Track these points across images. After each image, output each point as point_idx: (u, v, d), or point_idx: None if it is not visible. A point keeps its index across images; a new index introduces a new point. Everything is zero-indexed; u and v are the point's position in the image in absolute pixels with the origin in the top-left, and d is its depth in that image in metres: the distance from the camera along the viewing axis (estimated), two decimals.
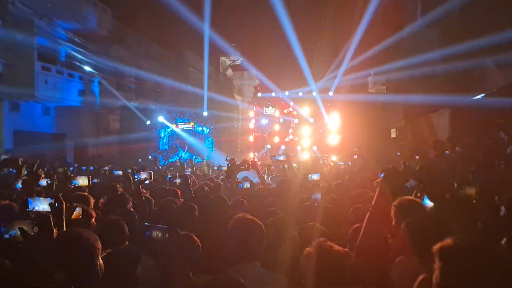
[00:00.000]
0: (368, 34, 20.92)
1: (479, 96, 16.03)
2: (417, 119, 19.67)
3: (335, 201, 4.67)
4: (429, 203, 3.02)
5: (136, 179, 4.92)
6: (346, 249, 2.28)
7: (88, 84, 21.42)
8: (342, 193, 5.65)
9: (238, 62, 38.85)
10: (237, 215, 2.89)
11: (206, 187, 6.31)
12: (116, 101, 23.30)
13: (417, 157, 12.07)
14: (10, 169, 6.98)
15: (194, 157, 21.38)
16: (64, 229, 3.04)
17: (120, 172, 7.71)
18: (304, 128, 22.76)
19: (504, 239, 2.33)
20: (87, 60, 20.63)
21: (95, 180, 7.37)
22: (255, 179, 7.08)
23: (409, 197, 3.01)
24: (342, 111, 22.98)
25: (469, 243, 1.58)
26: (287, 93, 22.79)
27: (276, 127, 23.25)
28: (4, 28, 16.40)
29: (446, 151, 11.94)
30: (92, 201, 3.81)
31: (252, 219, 2.85)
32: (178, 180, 6.93)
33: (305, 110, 22.72)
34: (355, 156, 18.57)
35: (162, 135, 22.65)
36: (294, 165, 9.66)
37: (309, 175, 6.60)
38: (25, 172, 5.28)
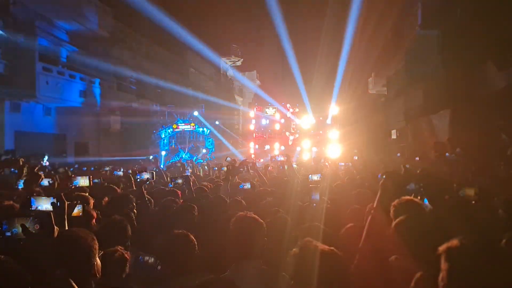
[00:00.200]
0: (368, 36, 20.95)
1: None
2: (418, 120, 19.67)
3: (334, 202, 4.69)
4: (428, 205, 3.04)
5: (138, 179, 4.93)
6: (332, 248, 2.29)
7: (89, 85, 21.46)
8: (342, 194, 5.67)
9: (238, 63, 38.90)
10: (239, 213, 2.90)
11: (206, 188, 6.33)
12: (116, 102, 23.36)
13: (417, 158, 12.06)
14: (12, 169, 7.01)
15: (195, 158, 21.43)
16: (66, 228, 3.06)
17: (121, 173, 7.74)
18: (305, 129, 22.80)
19: (504, 240, 2.34)
20: (88, 60, 20.67)
21: (96, 180, 7.40)
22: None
23: (409, 197, 3.02)
24: (343, 113, 23.01)
25: (476, 243, 1.58)
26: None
27: (276, 128, 23.29)
28: (5, 29, 16.44)
29: (447, 153, 11.96)
30: (92, 201, 3.83)
31: (254, 218, 2.86)
32: (180, 181, 6.96)
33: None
34: (356, 157, 18.59)
35: (163, 135, 22.68)
36: (294, 165, 9.68)
37: (310, 176, 6.62)
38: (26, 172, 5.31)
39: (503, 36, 13.81)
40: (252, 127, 23.56)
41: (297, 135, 23.09)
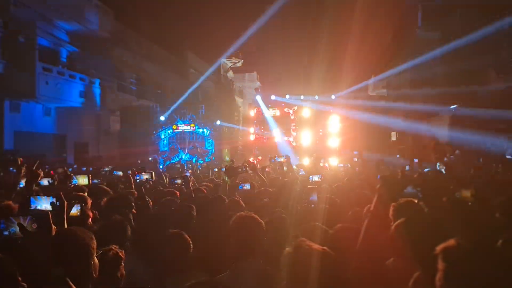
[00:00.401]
0: (368, 37, 20.98)
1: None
2: (418, 122, 19.70)
3: (332, 202, 4.69)
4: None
5: (138, 180, 4.94)
6: (324, 248, 2.30)
7: (89, 85, 21.47)
8: (341, 195, 5.67)
9: (239, 65, 38.93)
10: (240, 213, 2.93)
11: (205, 189, 6.33)
12: (117, 102, 23.37)
13: (415, 160, 12.09)
14: (10, 169, 7.02)
15: (194, 159, 21.44)
16: (65, 227, 3.07)
17: (121, 173, 7.74)
18: (304, 130, 22.78)
19: (500, 241, 2.36)
20: (88, 61, 20.70)
21: (95, 181, 7.41)
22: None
23: (409, 198, 3.03)
24: (343, 114, 23.00)
25: (473, 244, 1.60)
26: (287, 96, 22.82)
27: (276, 128, 23.23)
28: (5, 29, 16.46)
29: (449, 156, 11.98)
30: (90, 201, 3.84)
31: (253, 217, 2.90)
32: (178, 181, 6.97)
33: (305, 112, 22.71)
34: (355, 159, 18.60)
35: (163, 136, 22.68)
36: (294, 166, 9.67)
37: (310, 176, 6.65)
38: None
39: (502, 40, 13.85)
40: (252, 128, 23.54)
41: (295, 134, 23.04)
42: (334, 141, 21.96)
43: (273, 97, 22.66)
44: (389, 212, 3.04)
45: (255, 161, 14.20)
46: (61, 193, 3.28)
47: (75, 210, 3.51)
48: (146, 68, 26.06)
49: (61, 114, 20.71)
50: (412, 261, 2.05)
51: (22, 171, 5.16)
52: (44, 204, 3.26)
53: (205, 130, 22.70)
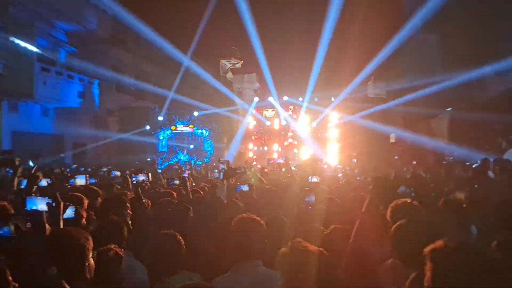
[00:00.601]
0: (368, 39, 21.00)
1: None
2: (416, 124, 19.70)
3: (330, 203, 4.68)
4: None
5: (134, 181, 4.92)
6: (321, 249, 2.31)
7: (87, 85, 21.44)
8: (339, 196, 5.66)
9: (238, 66, 38.89)
10: (241, 215, 2.92)
11: (201, 191, 6.32)
12: (115, 103, 23.34)
13: (414, 162, 12.09)
14: (7, 170, 6.98)
15: (193, 160, 21.40)
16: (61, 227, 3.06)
17: (118, 173, 7.73)
18: (304, 132, 22.81)
19: (494, 242, 2.35)
20: (87, 61, 20.67)
21: (93, 180, 7.39)
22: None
23: (406, 199, 3.02)
24: (342, 115, 23.02)
25: (460, 245, 1.60)
26: (286, 97, 22.86)
27: (275, 131, 23.27)
28: (4, 29, 16.43)
29: (447, 158, 11.99)
30: (86, 201, 3.82)
31: (254, 219, 2.89)
32: (176, 182, 6.95)
33: (304, 116, 22.77)
34: (354, 160, 18.61)
35: (161, 137, 22.64)
36: (293, 168, 9.68)
37: (309, 177, 6.67)
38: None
39: (500, 41, 13.88)
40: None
41: (296, 142, 23.10)
42: (333, 147, 21.97)
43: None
44: (381, 212, 3.05)
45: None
46: (57, 193, 3.28)
47: (70, 212, 3.50)
48: (145, 68, 26.03)
49: (59, 115, 20.68)
50: (410, 262, 2.05)
51: (19, 171, 5.14)
52: (40, 204, 3.26)
53: (204, 131, 22.67)
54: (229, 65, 38.56)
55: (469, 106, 15.06)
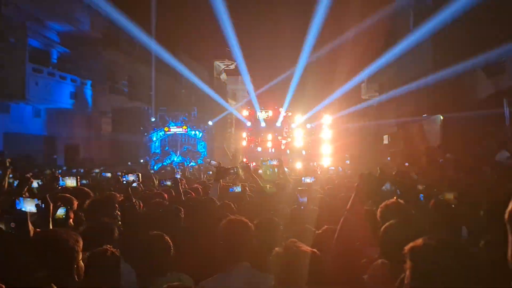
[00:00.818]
0: (361, 43, 21.11)
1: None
2: (409, 125, 19.81)
3: (323, 204, 4.68)
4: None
5: (124, 181, 4.89)
6: (314, 250, 2.31)
7: (80, 86, 21.32)
8: (332, 197, 5.68)
9: (232, 67, 38.87)
10: (230, 217, 2.91)
11: (193, 192, 6.29)
12: (108, 104, 23.23)
13: (406, 164, 12.14)
14: None
15: (187, 161, 21.31)
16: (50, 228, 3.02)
17: (109, 174, 7.68)
18: (297, 132, 22.85)
19: (482, 242, 2.37)
20: (80, 62, 20.56)
21: (84, 181, 7.33)
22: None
23: (396, 200, 3.03)
24: (336, 118, 23.12)
25: (439, 243, 1.61)
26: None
27: (269, 132, 23.27)
28: None
29: (440, 160, 12.05)
30: (76, 202, 3.79)
31: (242, 220, 2.88)
32: (168, 183, 6.91)
33: (298, 117, 22.81)
34: (348, 161, 18.67)
35: (154, 138, 22.55)
36: (286, 169, 9.68)
37: (303, 178, 6.67)
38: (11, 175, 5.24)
39: (491, 44, 14.00)
40: (244, 133, 23.52)
41: (289, 139, 23.10)
42: (327, 148, 22.03)
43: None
44: (367, 209, 3.05)
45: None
46: (47, 195, 3.24)
47: (62, 212, 3.46)
48: (138, 69, 25.94)
49: (52, 116, 20.54)
50: (398, 263, 2.04)
51: (8, 172, 5.08)
52: (29, 206, 3.23)
53: (197, 132, 22.61)
54: (223, 66, 38.54)
55: (461, 108, 15.17)
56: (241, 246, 2.75)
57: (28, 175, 4.44)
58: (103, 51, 22.34)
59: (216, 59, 36.56)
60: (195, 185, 7.45)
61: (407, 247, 1.64)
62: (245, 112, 23.38)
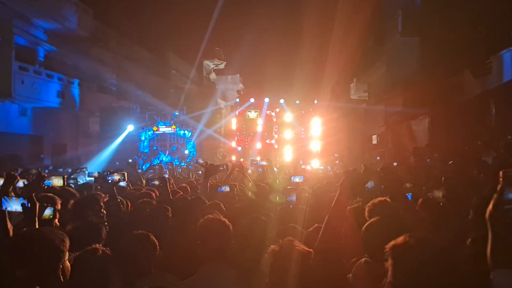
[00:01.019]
0: (350, 42, 21.21)
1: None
2: (398, 125, 19.96)
3: (311, 203, 4.68)
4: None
5: (109, 181, 4.84)
6: (310, 250, 2.30)
7: (67, 85, 21.06)
8: (321, 196, 5.69)
9: (221, 66, 38.80)
10: (207, 216, 2.86)
11: (181, 191, 6.25)
12: (96, 103, 22.99)
13: (395, 163, 12.22)
14: None
15: (176, 161, 21.19)
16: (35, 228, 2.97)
17: (96, 174, 7.61)
18: (287, 132, 22.90)
19: (469, 240, 2.38)
20: (67, 61, 20.31)
21: (71, 181, 7.25)
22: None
23: (383, 198, 3.03)
24: (325, 117, 23.19)
25: (419, 240, 1.61)
26: (267, 99, 22.95)
27: (258, 132, 23.29)
28: None
29: (428, 159, 12.14)
30: (59, 202, 3.73)
31: (220, 220, 2.83)
32: (156, 182, 6.86)
33: (287, 116, 22.86)
34: (337, 162, 18.74)
35: (143, 138, 22.38)
36: (275, 169, 9.70)
37: (292, 177, 6.69)
38: None
39: (478, 45, 14.18)
40: (234, 129, 23.53)
41: (275, 138, 23.17)
42: (316, 145, 22.12)
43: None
44: (354, 206, 3.05)
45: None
46: (32, 194, 3.19)
47: (49, 212, 3.40)
48: (126, 68, 25.72)
49: (38, 115, 20.25)
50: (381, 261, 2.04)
51: None
52: (15, 205, 3.18)
53: (186, 131, 22.51)
54: (212, 66, 38.44)
55: (448, 108, 15.33)
56: (219, 245, 2.69)
57: (14, 172, 4.34)
58: (90, 49, 22.10)
59: (206, 58, 36.47)
60: (183, 185, 7.41)
61: (388, 246, 1.65)
62: (234, 118, 23.44)
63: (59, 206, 3.66)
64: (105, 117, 23.02)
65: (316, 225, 3.04)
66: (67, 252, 2.47)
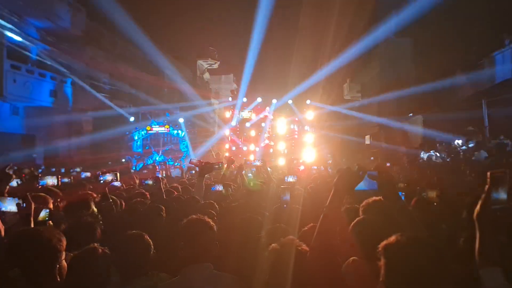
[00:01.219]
0: (343, 41, 21.29)
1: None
2: (391, 126, 20.08)
3: (304, 203, 4.70)
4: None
5: (101, 181, 4.81)
6: (309, 249, 2.31)
7: (60, 84, 20.90)
8: (314, 196, 5.71)
9: (215, 66, 38.73)
10: (191, 216, 2.83)
11: (174, 190, 6.24)
12: (89, 103, 22.84)
13: (388, 164, 12.30)
14: None
15: (171, 161, 21.12)
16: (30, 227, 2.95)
17: (89, 174, 7.56)
18: (280, 132, 22.94)
19: (462, 239, 2.41)
20: (60, 60, 20.15)
21: (65, 180, 7.19)
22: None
23: (377, 198, 3.05)
24: (318, 118, 23.27)
25: (411, 239, 1.63)
26: (259, 99, 22.97)
27: (252, 132, 23.31)
28: None
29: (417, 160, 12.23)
30: (51, 201, 3.71)
31: (203, 220, 2.78)
32: (150, 182, 6.85)
33: (281, 119, 22.93)
34: (330, 161, 18.81)
35: (136, 137, 22.29)
36: (269, 169, 9.71)
37: (285, 177, 6.70)
38: None
39: (471, 47, 14.31)
40: (227, 130, 23.52)
41: (272, 143, 23.19)
42: (310, 152, 22.13)
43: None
44: (348, 206, 3.06)
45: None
46: (27, 194, 3.17)
47: (44, 214, 3.38)
48: (120, 67, 25.58)
49: (30, 114, 20.07)
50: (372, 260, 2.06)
51: None
52: (9, 205, 3.16)
53: (179, 131, 22.46)
54: (206, 66, 38.37)
55: (441, 109, 15.46)
56: (202, 246, 2.66)
57: (7, 170, 4.30)
58: (83, 48, 21.95)
59: (199, 58, 36.39)
60: (175, 184, 7.42)
61: (381, 245, 1.66)
62: (228, 113, 23.42)
63: (51, 206, 3.64)
64: (98, 117, 22.91)
65: (312, 224, 3.05)
66: (64, 252, 2.47)
